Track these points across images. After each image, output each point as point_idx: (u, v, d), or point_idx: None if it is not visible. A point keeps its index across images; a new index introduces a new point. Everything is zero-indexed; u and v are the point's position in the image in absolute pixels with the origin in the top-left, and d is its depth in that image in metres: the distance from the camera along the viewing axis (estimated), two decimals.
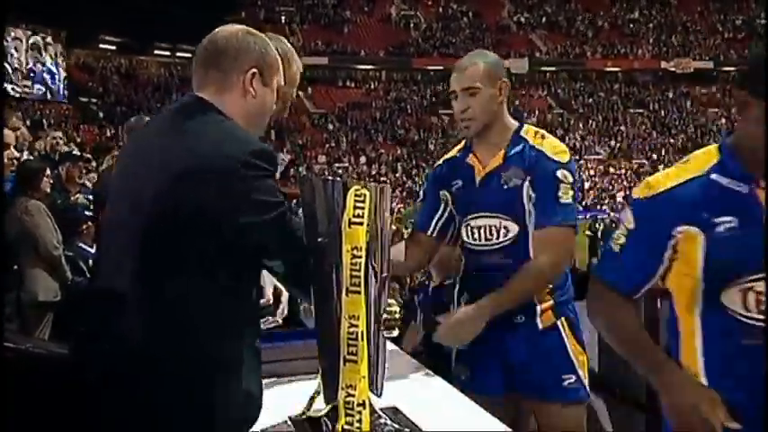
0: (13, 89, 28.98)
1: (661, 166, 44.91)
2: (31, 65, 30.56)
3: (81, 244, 5.44)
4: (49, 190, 5.00)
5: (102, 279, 1.67)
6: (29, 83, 30.48)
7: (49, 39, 31.38)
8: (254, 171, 1.54)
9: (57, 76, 31.94)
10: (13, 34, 29.42)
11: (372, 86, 46.64)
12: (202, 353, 1.54)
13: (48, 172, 4.96)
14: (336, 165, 39.76)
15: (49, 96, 31.68)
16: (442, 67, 46.23)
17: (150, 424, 1.54)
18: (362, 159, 41.18)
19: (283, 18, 46.79)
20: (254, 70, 1.69)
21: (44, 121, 28.19)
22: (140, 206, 1.57)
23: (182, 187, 1.52)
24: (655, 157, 45.44)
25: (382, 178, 37.84)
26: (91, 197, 6.06)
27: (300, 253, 1.63)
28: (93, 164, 8.01)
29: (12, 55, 29.38)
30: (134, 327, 1.54)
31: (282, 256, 1.65)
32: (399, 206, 24.49)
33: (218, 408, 1.55)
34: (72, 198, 5.72)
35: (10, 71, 29.13)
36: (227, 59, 1.68)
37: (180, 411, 1.54)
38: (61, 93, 32.55)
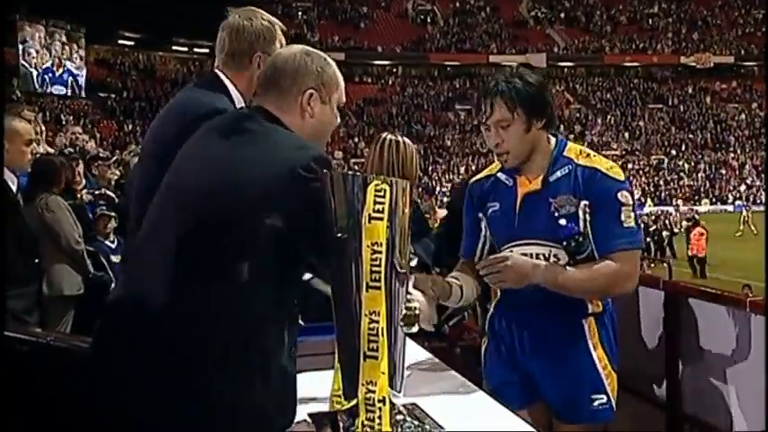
0: (32, 85, 29.25)
1: (680, 162, 44.82)
2: (49, 61, 30.81)
3: (101, 239, 5.48)
4: (64, 185, 5.01)
5: (139, 274, 1.65)
6: (48, 79, 30.74)
7: (67, 35, 31.62)
8: (314, 175, 1.57)
9: (75, 72, 32.19)
10: (32, 30, 29.68)
11: (389, 82, 46.62)
12: (241, 351, 1.55)
13: (66, 167, 4.99)
14: (353, 160, 39.81)
15: (68, 92, 31.94)
16: (458, 63, 46.20)
17: (176, 419, 1.55)
18: None
19: (300, 14, 46.87)
20: (312, 91, 1.74)
21: (63, 116, 28.43)
22: (191, 205, 1.59)
23: (245, 190, 1.56)
24: (674, 152, 45.12)
25: None
26: (97, 192, 6.06)
27: (333, 246, 1.61)
28: (113, 159, 8.05)
29: (30, 51, 29.64)
30: (176, 326, 1.55)
31: (323, 253, 1.62)
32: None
33: (247, 408, 1.55)
34: (79, 195, 5.73)
35: (29, 67, 29.39)
36: (285, 82, 1.73)
37: (208, 409, 1.54)
38: (80, 88, 32.80)
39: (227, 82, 2.23)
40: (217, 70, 2.27)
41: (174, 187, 1.70)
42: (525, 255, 2.21)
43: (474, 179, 2.46)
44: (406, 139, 3.33)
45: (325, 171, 1.59)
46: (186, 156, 1.74)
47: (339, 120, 1.84)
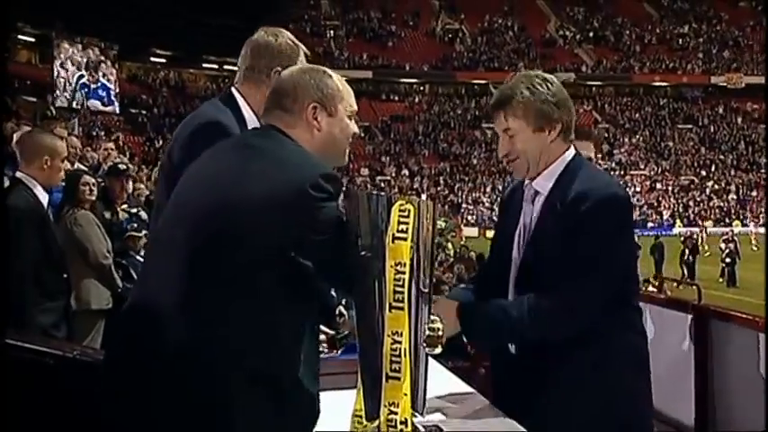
0: (66, 101, 29.82)
1: (710, 183, 44.21)
2: (83, 78, 31.40)
3: (133, 254, 5.50)
4: (93, 198, 5.04)
5: (151, 291, 1.66)
6: (82, 95, 31.30)
7: (101, 52, 32.24)
8: (321, 193, 1.57)
9: (108, 89, 32.74)
10: (67, 47, 30.34)
11: (416, 100, 46.74)
12: (259, 371, 1.54)
13: (89, 180, 5.00)
14: (379, 177, 39.89)
15: (101, 108, 32.50)
16: (485, 82, 46.17)
17: None
18: (405, 172, 41.24)
19: (329, 32, 47.27)
20: (315, 104, 1.75)
21: (96, 132, 28.93)
22: (200, 223, 1.59)
23: (253, 208, 1.56)
24: (703, 173, 44.53)
25: (424, 192, 37.80)
26: (134, 210, 6.10)
27: (356, 263, 1.63)
28: (142, 174, 8.13)
29: (66, 68, 30.27)
30: (190, 342, 1.54)
31: (340, 269, 1.64)
32: (440, 220, 24.46)
33: (262, 424, 1.54)
34: (119, 210, 5.78)
35: (63, 84, 29.99)
36: (286, 100, 1.75)
37: (220, 425, 1.53)
38: (113, 104, 33.35)
39: (239, 99, 2.25)
40: (233, 87, 2.31)
41: (183, 205, 1.70)
42: None
43: None
44: None
45: (341, 188, 1.60)
46: (195, 174, 1.74)
47: (356, 129, 1.83)
